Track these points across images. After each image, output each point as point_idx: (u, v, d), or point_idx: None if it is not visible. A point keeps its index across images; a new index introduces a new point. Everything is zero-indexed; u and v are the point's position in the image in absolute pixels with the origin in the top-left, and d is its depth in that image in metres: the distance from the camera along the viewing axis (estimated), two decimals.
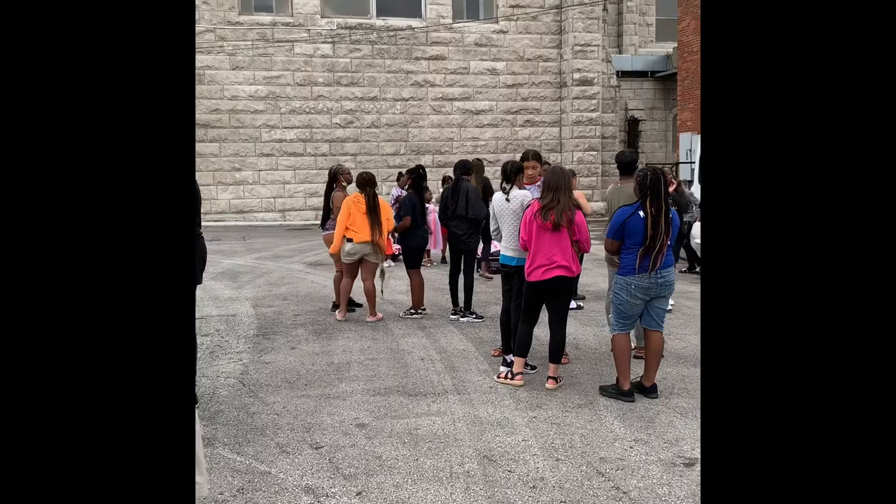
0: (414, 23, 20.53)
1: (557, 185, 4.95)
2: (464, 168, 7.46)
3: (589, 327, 7.05)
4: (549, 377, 5.14)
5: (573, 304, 7.94)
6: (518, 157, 6.38)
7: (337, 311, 7.62)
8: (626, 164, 5.96)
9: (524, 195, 5.47)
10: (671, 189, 6.42)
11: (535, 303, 5.20)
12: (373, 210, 7.20)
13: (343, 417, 4.57)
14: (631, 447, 4.06)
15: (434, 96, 20.67)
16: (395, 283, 9.88)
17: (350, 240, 7.24)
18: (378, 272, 7.56)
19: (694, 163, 12.48)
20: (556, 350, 5.15)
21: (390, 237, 10.98)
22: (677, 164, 17.75)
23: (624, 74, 23.20)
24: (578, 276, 5.36)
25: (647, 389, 4.95)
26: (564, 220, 4.92)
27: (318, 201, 18.73)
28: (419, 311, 7.67)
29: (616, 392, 4.92)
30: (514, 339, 5.42)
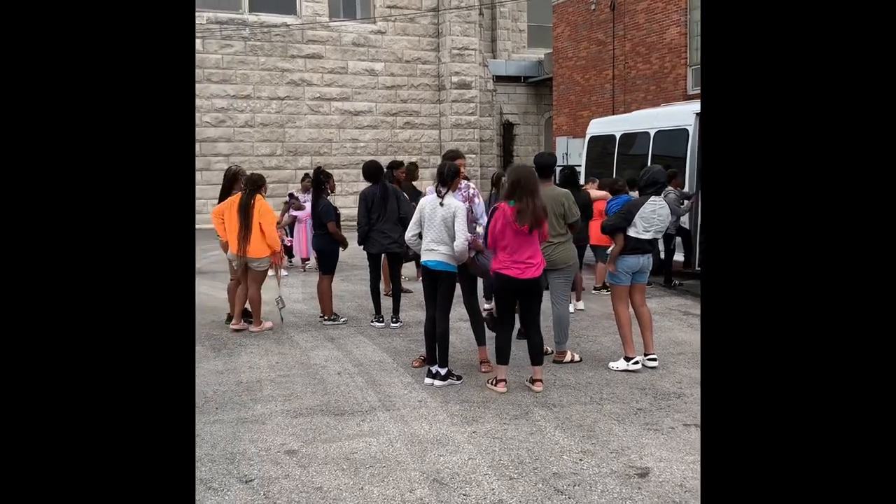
0: (289, 20, 19.80)
1: (532, 189, 4.86)
2: (379, 169, 7.17)
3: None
4: (536, 380, 5.13)
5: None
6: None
7: (232, 322, 7.08)
8: (544, 167, 5.90)
9: (458, 206, 5.17)
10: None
11: (509, 303, 5.11)
12: (242, 210, 6.70)
13: (268, 444, 4.15)
14: (581, 459, 3.93)
15: (311, 96, 20.02)
16: (288, 290, 9.36)
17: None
18: (276, 301, 7.27)
19: (579, 166, 12.77)
20: (537, 352, 5.13)
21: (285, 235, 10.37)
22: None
23: (498, 79, 23.54)
24: None
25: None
26: (538, 223, 4.88)
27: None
28: (330, 319, 7.35)
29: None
30: (439, 349, 5.22)
